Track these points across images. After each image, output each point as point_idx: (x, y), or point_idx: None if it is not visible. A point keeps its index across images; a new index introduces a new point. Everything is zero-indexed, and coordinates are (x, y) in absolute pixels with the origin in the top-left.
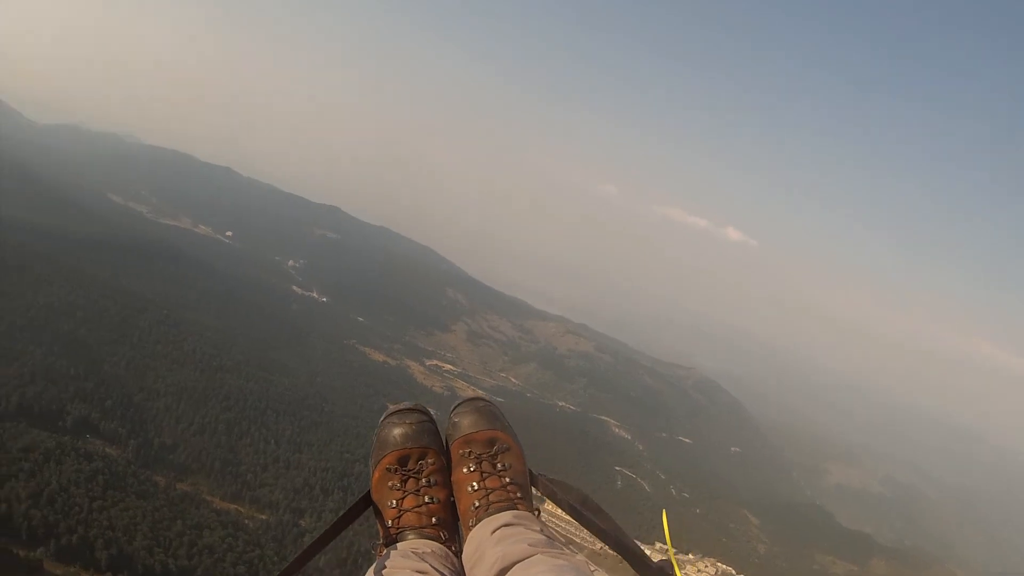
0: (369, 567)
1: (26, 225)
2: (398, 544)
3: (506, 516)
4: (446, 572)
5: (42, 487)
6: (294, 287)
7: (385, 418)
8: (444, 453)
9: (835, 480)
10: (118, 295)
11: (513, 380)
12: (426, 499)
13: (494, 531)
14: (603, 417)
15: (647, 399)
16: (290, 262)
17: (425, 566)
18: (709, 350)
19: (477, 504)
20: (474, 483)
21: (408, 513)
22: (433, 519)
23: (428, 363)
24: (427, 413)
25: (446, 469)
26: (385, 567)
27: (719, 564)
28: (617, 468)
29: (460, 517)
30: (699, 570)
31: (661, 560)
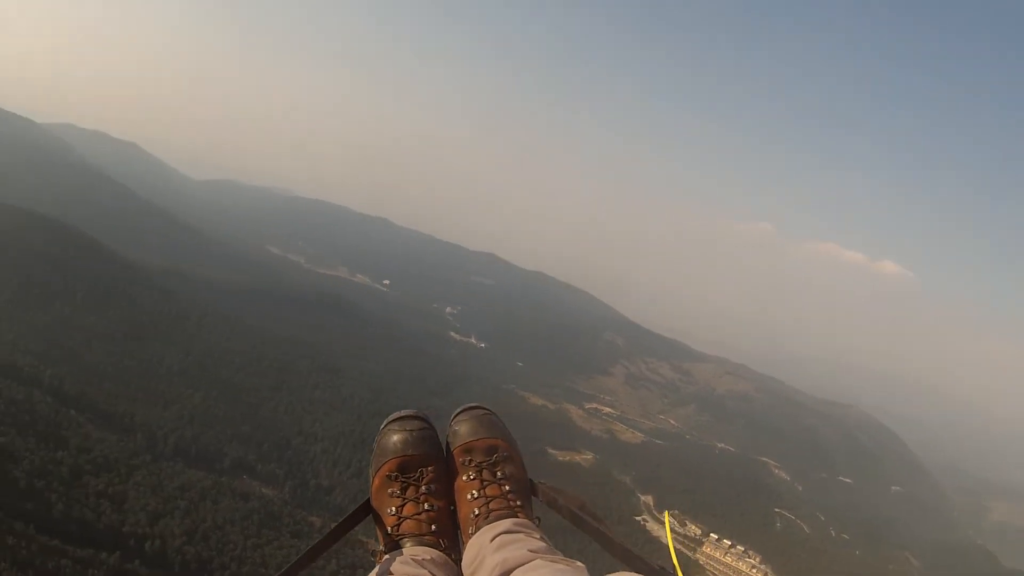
0: (369, 573)
1: (191, 276)
2: (398, 550)
3: (506, 523)
4: None
5: (197, 524)
6: (452, 333)
7: (385, 425)
8: (444, 461)
9: (997, 518)
10: (277, 342)
11: (672, 422)
12: (426, 506)
13: (494, 538)
14: (763, 458)
15: (806, 439)
16: (448, 309)
17: (424, 573)
18: (868, 387)
19: (477, 512)
20: (474, 491)
21: (408, 520)
22: (433, 526)
23: (587, 406)
24: (427, 421)
25: (446, 477)
26: (385, 574)
27: None
28: (776, 510)
29: (460, 525)
30: None
31: (662, 565)
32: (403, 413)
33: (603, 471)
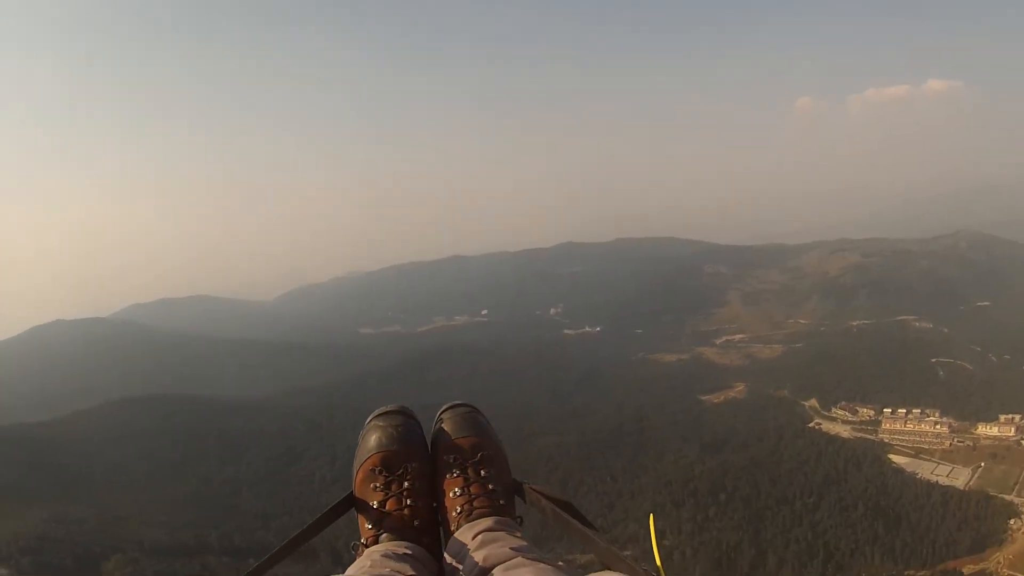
0: (350, 566)
1: (300, 390)
2: (380, 544)
3: (488, 522)
4: (426, 574)
5: None
6: (565, 331)
7: (370, 420)
8: (428, 458)
9: None
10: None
11: (802, 322)
12: (408, 502)
13: (475, 536)
14: (899, 318)
15: (930, 281)
16: (552, 310)
17: (405, 567)
18: (968, 210)
19: (460, 509)
20: (457, 489)
21: (390, 515)
22: (415, 522)
23: (718, 342)
24: (413, 416)
25: (430, 474)
26: (365, 567)
27: None
28: (933, 360)
29: (443, 522)
30: None
31: (646, 566)
32: (387, 408)
33: (759, 396)
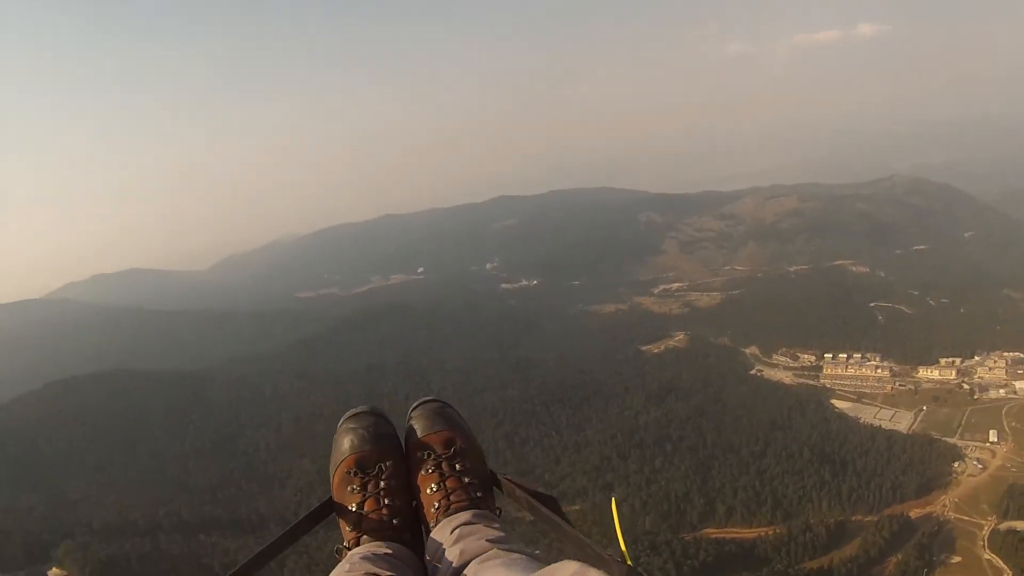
0: (333, 569)
1: (242, 358)
2: (361, 546)
3: (465, 515)
4: (408, 572)
5: None
6: (503, 285)
7: (341, 423)
8: (403, 456)
9: None
10: (352, 377)
11: (739, 268)
12: (386, 501)
13: (453, 530)
14: (837, 263)
15: (868, 225)
16: (487, 265)
17: (387, 567)
18: (900, 151)
19: (437, 505)
20: (434, 484)
21: (369, 516)
22: (395, 521)
23: (656, 291)
24: (383, 416)
25: (405, 472)
26: (348, 569)
27: (1006, 354)
28: (872, 304)
29: (422, 518)
30: (990, 368)
31: (611, 552)
32: (358, 410)
33: (700, 344)
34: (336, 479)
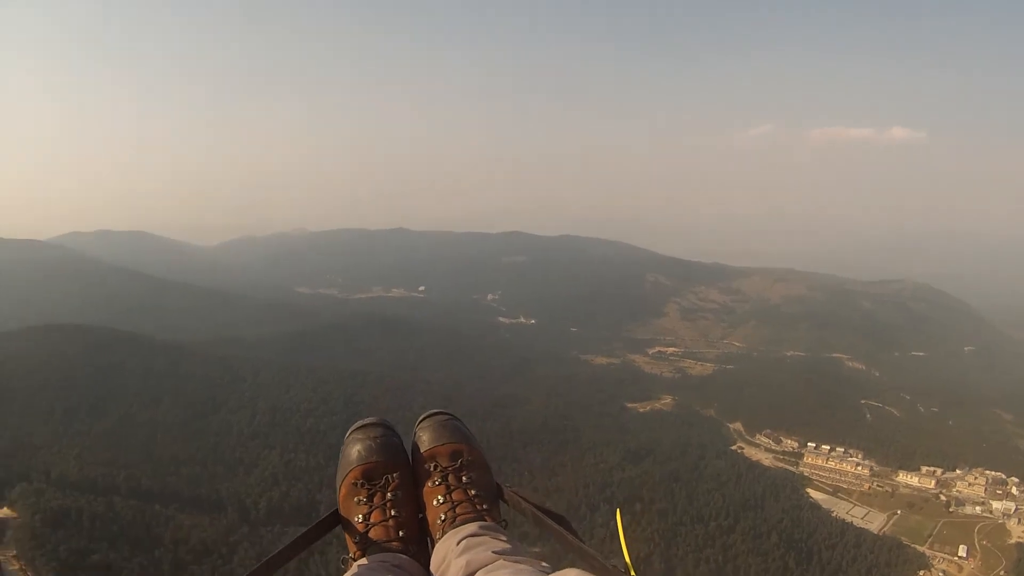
0: None
1: (229, 340)
2: (367, 557)
3: (472, 527)
4: None
5: None
6: (500, 318)
7: (349, 434)
8: (410, 467)
9: None
10: (338, 378)
11: (736, 344)
12: (393, 513)
13: (459, 541)
14: (833, 355)
15: (870, 324)
16: (489, 296)
17: None
18: (914, 258)
19: (444, 516)
20: (440, 496)
21: (376, 527)
22: (401, 532)
23: (651, 352)
24: (391, 428)
25: (412, 483)
26: None
27: (987, 473)
28: (863, 401)
29: (428, 530)
30: (969, 484)
31: (615, 561)
32: (365, 421)
33: (686, 410)
34: (343, 490)
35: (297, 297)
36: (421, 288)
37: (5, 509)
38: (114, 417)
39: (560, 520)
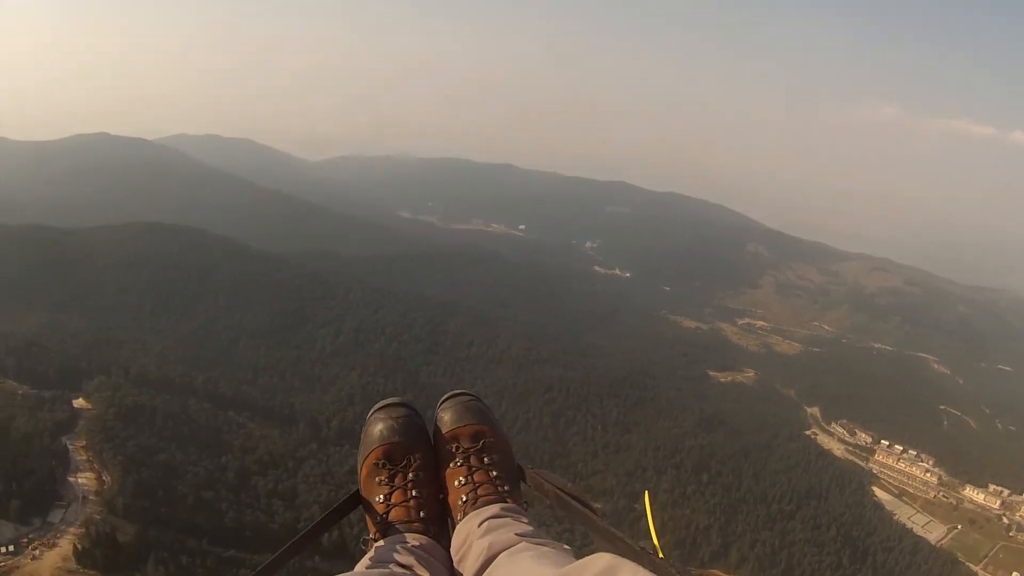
0: (360, 560)
1: (324, 254)
2: (387, 538)
3: (494, 508)
4: (435, 564)
5: None
6: (596, 268)
7: (371, 414)
8: (431, 448)
9: None
10: (426, 306)
11: (826, 328)
12: (414, 493)
13: (481, 523)
14: (921, 354)
15: (962, 329)
16: (587, 244)
17: (413, 559)
18: (1017, 269)
19: (465, 498)
20: (461, 477)
21: (397, 508)
22: (422, 513)
23: (740, 323)
24: (413, 408)
25: (433, 464)
26: (375, 561)
27: None
28: (942, 407)
29: (449, 511)
30: None
31: (643, 543)
32: (388, 401)
33: (766, 387)
34: (364, 470)
35: (397, 221)
36: (521, 227)
37: (81, 400)
38: (200, 319)
39: (582, 502)
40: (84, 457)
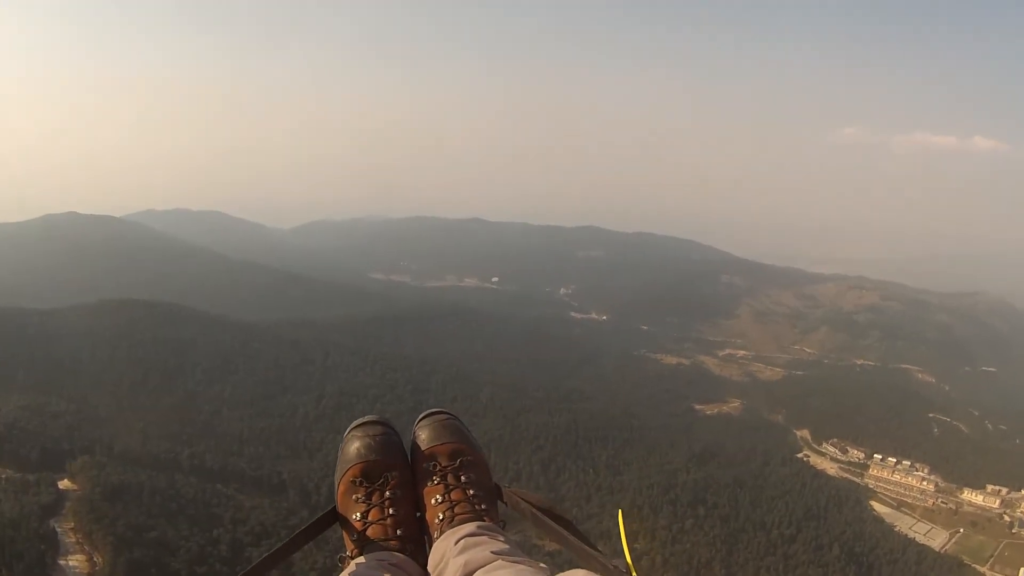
0: None
1: (301, 321)
2: (364, 556)
3: (470, 527)
4: None
5: None
6: (572, 313)
7: (348, 432)
8: (408, 466)
9: None
10: (406, 365)
11: (807, 350)
12: (391, 511)
13: (457, 541)
14: (904, 366)
15: (943, 337)
16: (562, 290)
17: None
18: (991, 272)
19: (442, 516)
20: (439, 495)
21: (374, 525)
22: (398, 531)
23: (721, 354)
24: (390, 426)
25: (411, 482)
26: None
27: None
28: (931, 415)
29: (426, 529)
30: None
31: (617, 562)
32: (365, 419)
33: (753, 415)
34: (341, 488)
35: (370, 283)
36: (494, 279)
37: (66, 481)
38: (181, 394)
39: (560, 520)
40: (73, 539)
